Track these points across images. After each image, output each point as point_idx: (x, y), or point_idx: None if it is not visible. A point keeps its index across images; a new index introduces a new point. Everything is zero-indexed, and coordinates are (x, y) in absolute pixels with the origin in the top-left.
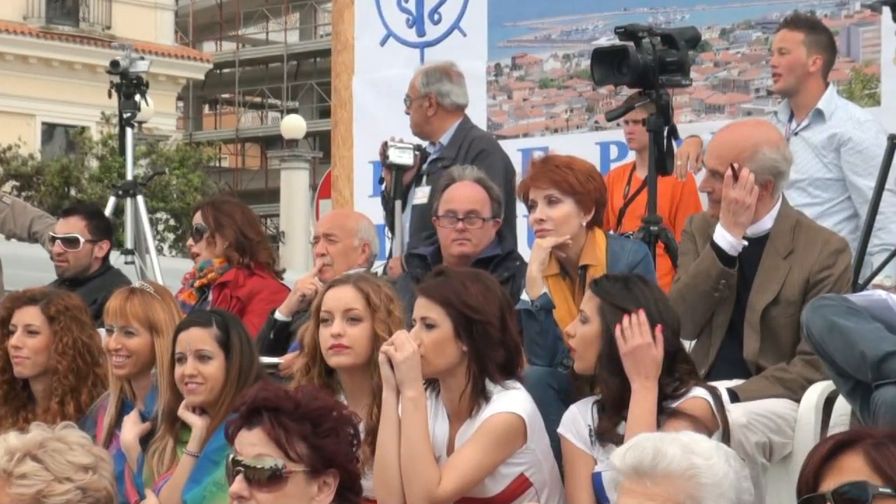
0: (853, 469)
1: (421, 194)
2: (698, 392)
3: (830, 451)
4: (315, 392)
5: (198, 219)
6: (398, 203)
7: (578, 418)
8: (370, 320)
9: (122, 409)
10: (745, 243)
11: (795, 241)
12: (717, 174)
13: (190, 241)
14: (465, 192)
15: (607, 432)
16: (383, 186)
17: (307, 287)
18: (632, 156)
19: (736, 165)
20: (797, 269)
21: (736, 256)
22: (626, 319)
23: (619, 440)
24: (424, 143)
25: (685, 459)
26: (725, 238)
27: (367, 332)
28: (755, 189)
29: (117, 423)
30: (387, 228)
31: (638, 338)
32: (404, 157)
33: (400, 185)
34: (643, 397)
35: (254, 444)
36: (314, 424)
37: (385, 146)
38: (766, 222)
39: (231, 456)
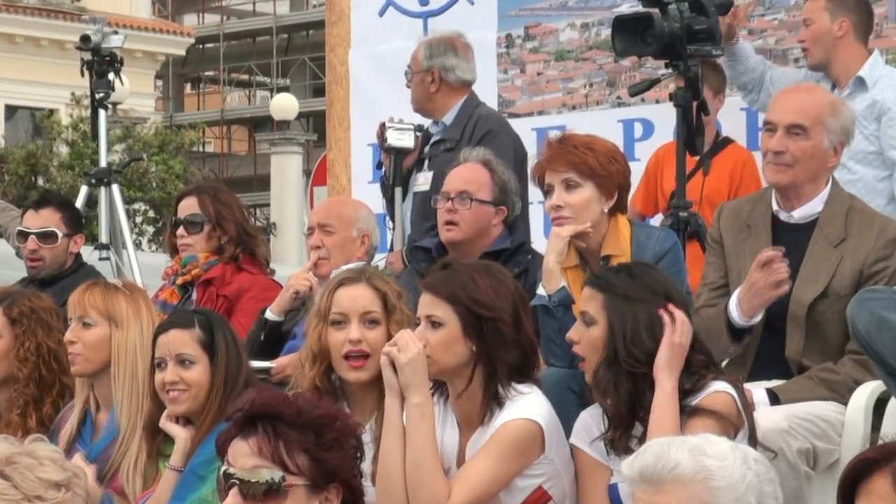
0: (879, 495)
1: (423, 180)
2: (719, 386)
3: (858, 470)
4: (316, 399)
5: (191, 208)
6: (398, 190)
7: (591, 426)
8: (386, 323)
9: (86, 420)
10: (755, 321)
11: (848, 228)
12: (797, 129)
13: (181, 232)
14: (461, 172)
15: (620, 440)
16: (382, 172)
17: (301, 283)
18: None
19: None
20: (849, 259)
21: (747, 329)
22: (674, 310)
23: (635, 445)
24: (426, 123)
25: (696, 462)
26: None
27: (385, 336)
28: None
29: (79, 436)
30: (387, 218)
31: (681, 336)
32: (404, 140)
33: (400, 170)
34: (671, 395)
35: (249, 455)
36: (317, 434)
37: (383, 127)
38: (816, 205)
39: (223, 469)
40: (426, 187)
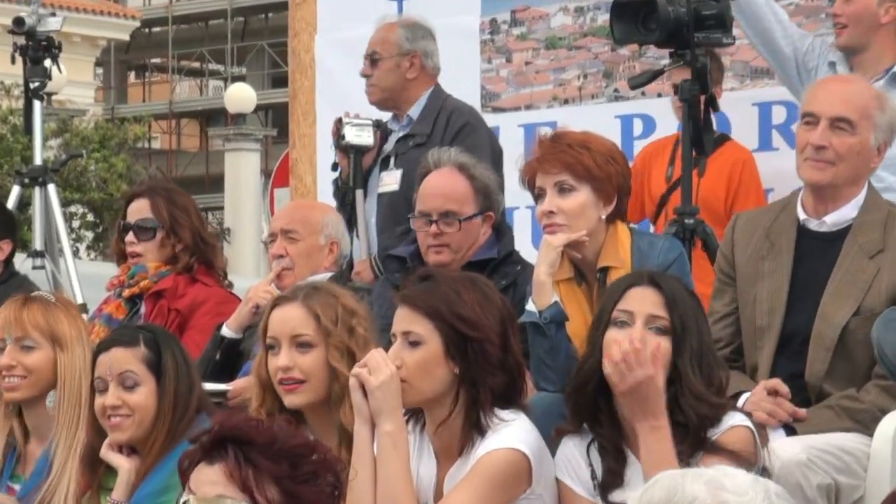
0: None
1: (390, 180)
2: (737, 419)
3: None
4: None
5: (142, 211)
6: (360, 193)
7: (577, 458)
8: (323, 346)
9: (9, 456)
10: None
11: (887, 238)
12: (842, 123)
13: (130, 238)
14: (440, 187)
15: (612, 478)
16: (337, 174)
17: (262, 296)
18: (672, 126)
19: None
20: (887, 272)
21: None
22: (616, 348)
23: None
24: (386, 117)
25: (714, 497)
26: None
27: (322, 360)
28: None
29: (3, 470)
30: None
31: (638, 369)
32: (363, 137)
33: (360, 169)
34: (656, 441)
35: (214, 483)
36: (292, 466)
37: (339, 124)
38: (850, 210)
39: (182, 498)
40: (395, 187)
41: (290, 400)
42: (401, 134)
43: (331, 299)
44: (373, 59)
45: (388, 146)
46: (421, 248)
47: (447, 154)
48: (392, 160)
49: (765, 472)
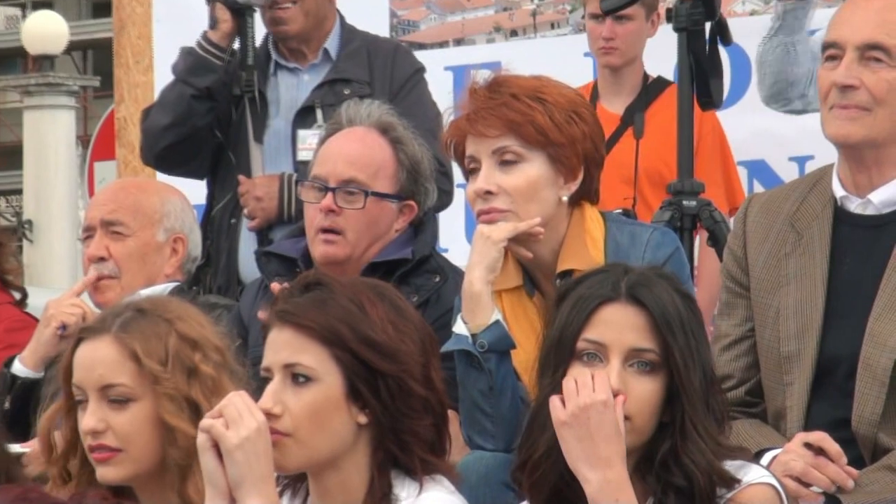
0: None
1: (316, 142)
2: (757, 474)
3: None
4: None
5: None
6: (256, 147)
7: None
8: (150, 397)
9: None
10: None
11: None
12: (877, 52)
13: None
14: (347, 147)
15: None
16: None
17: (68, 314)
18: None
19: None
20: None
21: None
22: (567, 382)
23: None
24: (274, 56)
25: None
26: None
27: (146, 417)
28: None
29: None
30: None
31: (584, 391)
32: None
33: (252, 50)
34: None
35: None
36: None
37: None
38: None
39: None
40: None
41: (103, 473)
42: (327, 78)
43: (160, 327)
44: None
45: (299, 94)
46: (307, 235)
47: (368, 109)
48: (319, 114)
49: None
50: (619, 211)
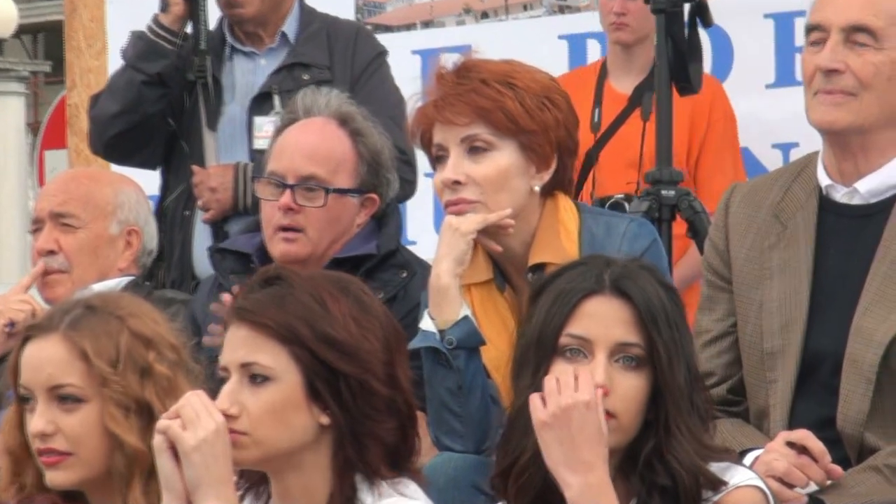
0: None
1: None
2: (743, 476)
3: None
4: None
5: None
6: (210, 135)
7: None
8: (98, 399)
9: None
10: None
11: None
12: (862, 33)
13: None
14: (306, 142)
15: None
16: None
17: (17, 310)
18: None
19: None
20: None
21: None
22: (549, 381)
23: None
24: (229, 40)
25: None
26: None
27: (97, 418)
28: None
29: None
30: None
31: (566, 392)
32: None
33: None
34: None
35: None
36: None
37: None
38: (891, 172)
39: None
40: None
41: (52, 478)
42: (287, 62)
43: (111, 325)
44: None
45: (256, 79)
46: (265, 233)
47: (326, 98)
48: (276, 100)
49: None
50: (621, 196)
